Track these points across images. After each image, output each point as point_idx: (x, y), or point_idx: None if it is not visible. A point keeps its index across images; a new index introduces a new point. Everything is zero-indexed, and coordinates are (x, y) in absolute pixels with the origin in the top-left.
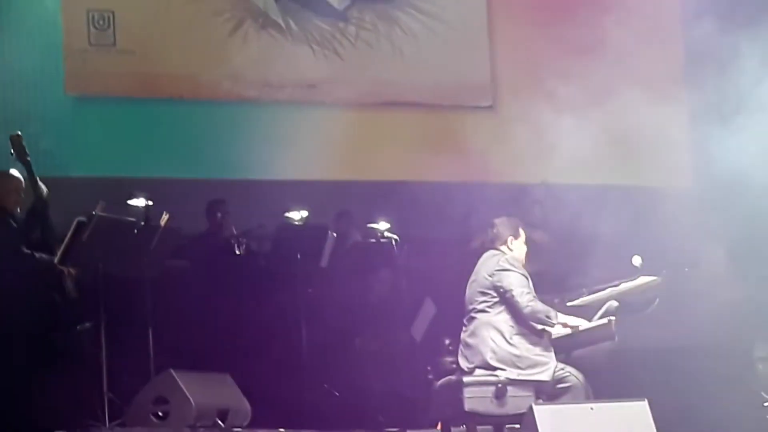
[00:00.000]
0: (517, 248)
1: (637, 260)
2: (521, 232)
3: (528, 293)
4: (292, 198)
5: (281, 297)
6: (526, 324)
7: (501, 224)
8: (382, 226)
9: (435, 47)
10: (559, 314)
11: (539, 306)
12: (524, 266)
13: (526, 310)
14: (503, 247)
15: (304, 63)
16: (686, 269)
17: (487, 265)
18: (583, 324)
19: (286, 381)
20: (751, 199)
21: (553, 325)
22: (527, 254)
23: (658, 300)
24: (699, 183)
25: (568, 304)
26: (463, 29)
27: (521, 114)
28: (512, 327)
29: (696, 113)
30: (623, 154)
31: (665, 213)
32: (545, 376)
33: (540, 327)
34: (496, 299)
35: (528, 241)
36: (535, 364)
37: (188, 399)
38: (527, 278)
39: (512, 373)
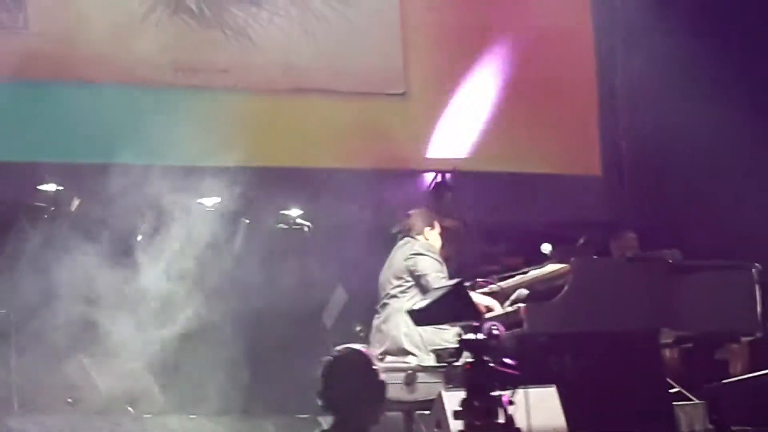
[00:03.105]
0: (432, 238)
1: (546, 247)
2: (436, 224)
3: (443, 278)
4: (204, 184)
5: (191, 283)
6: None
7: (417, 215)
8: (294, 212)
9: (348, 33)
10: (473, 294)
11: None
12: (439, 254)
13: None
14: (419, 237)
15: (217, 48)
16: (594, 257)
17: (402, 250)
18: (495, 305)
19: (197, 367)
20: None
21: None
22: (441, 247)
23: (567, 287)
24: (608, 172)
25: (478, 291)
26: (376, 16)
27: (433, 101)
28: None
29: (604, 104)
30: (534, 142)
31: (575, 201)
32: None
33: None
34: (410, 283)
35: (442, 232)
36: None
37: (98, 386)
38: (442, 264)
39: (423, 359)
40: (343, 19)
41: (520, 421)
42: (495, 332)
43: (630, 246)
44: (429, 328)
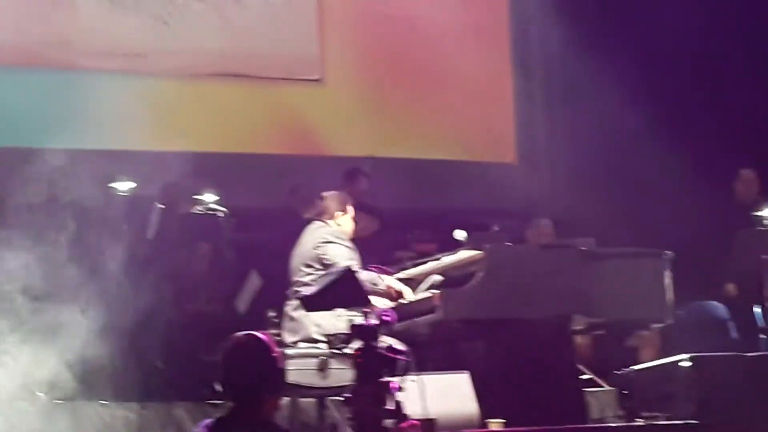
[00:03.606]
0: (344, 223)
1: (459, 234)
2: (350, 207)
3: (354, 265)
4: (119, 168)
5: (106, 268)
6: None
7: (330, 198)
8: (210, 197)
9: (264, 18)
10: (385, 277)
11: (363, 275)
12: (351, 240)
13: None
14: (331, 221)
15: (133, 32)
16: (508, 244)
17: (312, 236)
18: (406, 290)
19: (110, 352)
20: None
21: (381, 291)
22: (355, 230)
23: (481, 274)
24: (523, 160)
25: (393, 276)
26: (293, 1)
27: (349, 87)
28: None
29: (520, 92)
30: (449, 129)
31: (490, 188)
32: None
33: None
34: (321, 271)
35: (355, 218)
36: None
37: (6, 371)
38: (353, 251)
39: (336, 347)
40: (260, 4)
41: (429, 408)
42: (386, 319)
43: (545, 234)
44: (343, 317)
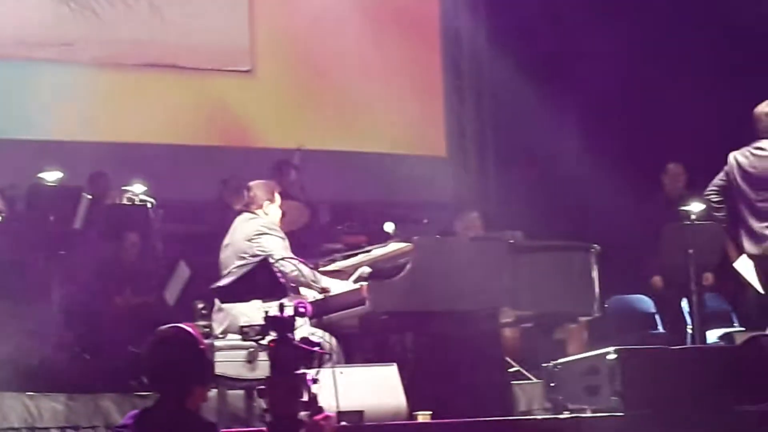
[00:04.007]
0: (272, 212)
1: (389, 226)
2: (277, 196)
3: (291, 257)
4: (47, 158)
5: (33, 258)
6: None
7: (257, 187)
8: (138, 188)
9: (194, 9)
10: (323, 278)
11: (305, 270)
12: (280, 229)
13: (293, 274)
14: (259, 211)
15: (61, 21)
16: (437, 236)
17: (243, 228)
18: (344, 287)
19: (36, 343)
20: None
21: (318, 289)
22: (282, 218)
23: (409, 266)
24: (453, 153)
25: (321, 269)
26: None
27: (279, 79)
28: None
29: (449, 87)
30: (379, 122)
31: (420, 181)
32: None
33: (304, 290)
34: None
35: (283, 206)
36: None
37: None
38: (285, 239)
39: (265, 339)
40: None
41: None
42: (301, 310)
43: (473, 226)
44: (267, 308)
